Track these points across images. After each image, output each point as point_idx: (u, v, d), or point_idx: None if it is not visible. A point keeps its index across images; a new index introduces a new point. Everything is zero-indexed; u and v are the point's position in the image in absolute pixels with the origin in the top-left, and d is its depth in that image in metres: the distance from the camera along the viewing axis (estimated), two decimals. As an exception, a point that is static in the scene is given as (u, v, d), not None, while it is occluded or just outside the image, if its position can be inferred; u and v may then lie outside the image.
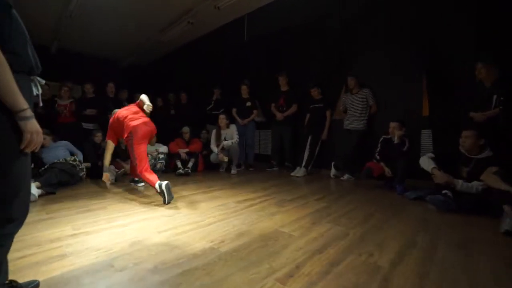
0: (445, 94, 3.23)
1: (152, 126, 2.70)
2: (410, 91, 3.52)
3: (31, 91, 0.98)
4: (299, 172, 4.08)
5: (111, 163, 3.80)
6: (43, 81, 1.05)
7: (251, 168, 4.78)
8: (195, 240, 1.61)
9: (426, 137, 3.39)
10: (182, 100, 5.63)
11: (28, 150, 0.88)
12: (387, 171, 3.00)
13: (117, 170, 3.74)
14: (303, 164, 4.14)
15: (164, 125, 5.22)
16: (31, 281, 1.07)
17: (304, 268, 1.27)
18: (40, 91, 1.04)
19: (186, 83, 6.66)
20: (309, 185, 3.39)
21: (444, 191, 2.28)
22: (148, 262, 1.31)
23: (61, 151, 3.31)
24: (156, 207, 2.35)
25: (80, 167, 3.34)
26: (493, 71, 2.73)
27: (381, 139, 3.19)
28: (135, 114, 2.73)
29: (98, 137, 3.94)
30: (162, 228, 1.81)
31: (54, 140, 3.41)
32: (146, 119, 2.71)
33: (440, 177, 2.31)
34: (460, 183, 2.26)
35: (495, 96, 2.69)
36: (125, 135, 2.61)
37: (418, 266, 1.30)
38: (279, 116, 4.47)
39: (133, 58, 7.54)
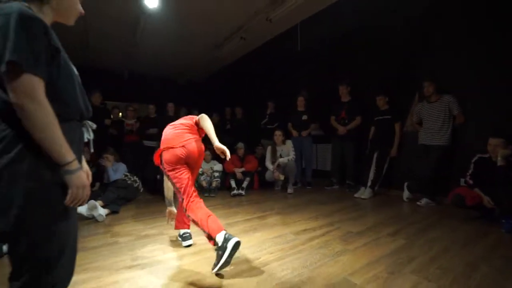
0: None
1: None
2: (505, 96, 2.78)
3: (81, 138, 0.93)
4: (365, 193, 3.60)
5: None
6: (94, 125, 1.01)
7: (308, 186, 4.46)
8: (251, 285, 1.42)
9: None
10: (237, 114, 5.68)
11: (73, 205, 0.81)
12: (487, 200, 2.36)
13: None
14: (369, 184, 3.64)
15: (220, 141, 5.31)
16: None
17: None
18: (92, 136, 1.00)
19: (241, 97, 6.75)
20: (379, 212, 2.91)
21: None
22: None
23: (120, 175, 3.53)
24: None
25: (137, 182, 3.55)
26: None
27: (476, 158, 2.55)
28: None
29: (159, 155, 4.15)
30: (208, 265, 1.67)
31: (117, 160, 3.69)
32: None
33: None
34: None
35: None
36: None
37: None
38: (341, 130, 4.08)
39: (190, 75, 8.02)
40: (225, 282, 1.48)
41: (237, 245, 1.49)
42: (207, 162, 4.33)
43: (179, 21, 4.79)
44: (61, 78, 0.83)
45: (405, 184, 3.38)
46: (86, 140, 0.98)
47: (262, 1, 4.39)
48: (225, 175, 4.32)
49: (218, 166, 4.27)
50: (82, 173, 0.82)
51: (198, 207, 1.70)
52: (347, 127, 4.04)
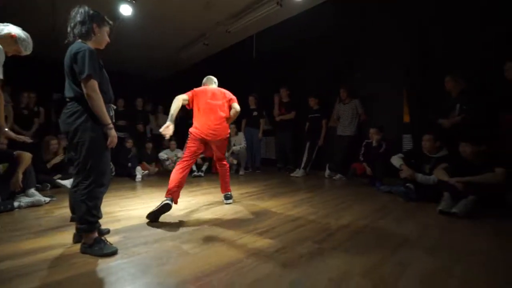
0: (421, 103, 3.74)
1: None
2: (395, 100, 4.04)
3: (109, 113, 1.68)
4: (298, 173, 4.66)
5: (138, 164, 4.58)
6: (115, 107, 1.75)
7: (258, 170, 5.40)
8: (205, 214, 2.26)
9: (407, 141, 3.88)
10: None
11: (110, 146, 1.56)
12: (368, 170, 3.53)
13: (143, 171, 4.48)
14: (302, 166, 4.72)
15: (183, 132, 5.99)
16: (104, 228, 1.75)
17: (277, 228, 1.88)
18: (113, 112, 1.74)
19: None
20: (305, 184, 3.96)
21: (407, 184, 2.79)
22: (174, 224, 1.97)
23: None
24: (177, 196, 3.03)
25: (111, 167, 4.12)
26: (459, 84, 3.24)
27: (364, 142, 3.73)
28: None
29: (129, 143, 4.72)
30: (183, 207, 2.47)
31: None
32: None
33: (405, 171, 2.83)
34: (420, 176, 2.77)
35: (458, 105, 3.19)
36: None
37: (358, 229, 1.87)
38: (278, 118, 5.14)
39: (156, 72, 8.50)
40: (188, 214, 2.29)
41: (166, 206, 2.03)
42: (172, 150, 5.01)
43: (149, 27, 5.38)
44: (103, 79, 1.57)
45: (327, 165, 4.50)
46: (111, 114, 1.71)
47: (223, 15, 5.21)
48: (188, 161, 5.03)
49: (181, 154, 4.96)
50: (114, 130, 1.57)
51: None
52: (282, 117, 5.08)
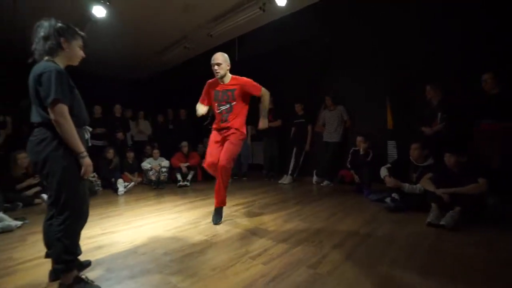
0: (404, 111, 3.82)
1: None
2: (379, 107, 4.10)
3: (84, 137, 1.53)
4: (286, 179, 4.64)
5: (119, 176, 4.37)
6: (91, 129, 1.61)
7: (244, 177, 5.32)
8: (194, 234, 2.16)
9: (391, 147, 3.96)
10: (181, 116, 6.20)
11: (85, 177, 1.43)
12: (356, 177, 3.56)
13: (126, 183, 4.28)
14: (289, 173, 4.70)
15: (164, 140, 5.80)
16: (85, 260, 1.61)
17: (269, 250, 1.82)
18: (89, 135, 1.60)
19: (184, 99, 7.25)
20: (293, 191, 3.94)
21: (393, 194, 2.83)
22: (161, 249, 1.86)
23: None
24: (162, 212, 2.90)
25: (97, 182, 3.90)
26: (439, 92, 3.33)
27: (351, 150, 3.76)
28: None
29: (110, 153, 4.49)
30: (169, 227, 2.36)
31: None
32: None
33: (389, 182, 2.86)
34: (407, 186, 2.82)
35: (439, 114, 3.28)
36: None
37: (351, 248, 1.85)
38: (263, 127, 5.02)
39: (134, 75, 8.18)
40: (177, 234, 2.18)
41: None
42: (155, 159, 4.82)
43: (125, 29, 5.13)
44: (74, 102, 1.43)
45: (314, 171, 4.51)
46: (86, 138, 1.57)
47: (204, 18, 5.07)
48: (171, 170, 4.87)
49: (165, 162, 4.80)
50: (88, 158, 1.44)
51: None
52: (269, 124, 4.99)
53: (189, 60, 7.25)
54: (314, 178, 4.47)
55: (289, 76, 5.33)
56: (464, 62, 3.33)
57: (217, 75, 2.48)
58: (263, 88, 2.58)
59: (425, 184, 2.63)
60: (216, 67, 2.47)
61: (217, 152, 2.48)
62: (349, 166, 3.72)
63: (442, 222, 2.21)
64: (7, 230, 2.34)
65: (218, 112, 2.57)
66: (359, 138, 3.62)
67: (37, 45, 1.37)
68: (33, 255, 1.80)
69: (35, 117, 1.35)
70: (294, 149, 4.78)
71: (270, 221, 2.50)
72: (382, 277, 1.44)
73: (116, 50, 6.25)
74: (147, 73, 8.35)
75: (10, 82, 5.47)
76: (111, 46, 5.90)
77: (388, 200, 2.86)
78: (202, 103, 2.67)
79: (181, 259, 1.72)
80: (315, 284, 1.39)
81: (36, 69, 1.31)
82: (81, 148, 1.37)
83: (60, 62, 1.41)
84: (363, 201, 3.22)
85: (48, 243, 1.47)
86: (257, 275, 1.49)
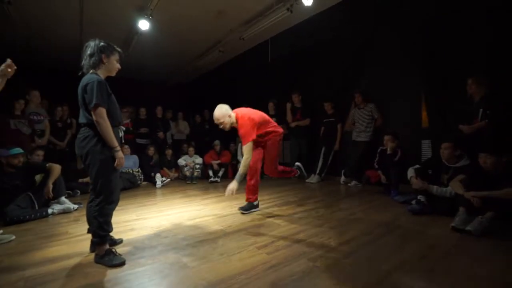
0: (441, 108, 3.54)
1: None
2: (412, 105, 3.86)
3: (118, 135, 1.83)
4: (314, 178, 4.63)
5: (158, 171, 4.85)
6: (124, 128, 1.92)
7: (273, 175, 5.43)
8: (212, 224, 2.37)
9: (426, 147, 3.70)
10: (216, 116, 6.56)
11: (118, 168, 1.72)
12: (383, 178, 3.42)
13: (164, 178, 4.73)
14: (317, 172, 4.68)
15: (201, 139, 6.22)
16: (118, 238, 1.93)
17: (276, 242, 1.93)
18: (122, 133, 1.90)
19: (219, 101, 7.63)
20: (319, 190, 3.94)
21: (419, 196, 2.68)
22: (181, 235, 2.11)
23: (131, 163, 4.43)
24: (191, 204, 3.19)
25: (140, 177, 4.43)
26: (482, 87, 3.03)
27: (379, 149, 3.61)
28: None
29: (151, 150, 5.02)
30: (193, 217, 2.62)
31: (130, 153, 4.58)
32: None
33: (415, 184, 2.72)
34: (435, 189, 2.65)
35: (481, 110, 2.99)
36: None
37: (358, 246, 1.86)
38: (293, 124, 5.09)
39: (174, 79, 8.88)
40: (198, 223, 2.41)
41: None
42: (190, 156, 5.23)
43: (165, 38, 5.65)
44: (111, 105, 1.73)
45: (342, 171, 4.43)
46: (120, 136, 1.87)
47: (236, 22, 5.32)
48: (205, 166, 5.23)
49: (199, 160, 5.18)
50: (121, 152, 1.72)
51: None
52: (297, 123, 5.04)
53: (223, 64, 7.63)
54: (342, 178, 4.39)
55: (319, 75, 5.28)
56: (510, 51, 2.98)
57: (225, 129, 2.76)
58: (247, 146, 2.60)
59: (455, 186, 2.45)
60: (220, 126, 2.71)
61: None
62: (376, 166, 3.59)
63: (468, 228, 2.06)
64: (67, 211, 2.86)
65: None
66: (386, 137, 3.47)
67: (85, 61, 1.71)
68: (82, 232, 2.19)
69: (81, 119, 1.68)
70: (323, 149, 4.75)
71: (286, 216, 2.59)
72: (381, 277, 1.45)
73: (158, 58, 6.90)
74: (185, 77, 8.99)
75: (74, 90, 6.43)
76: (154, 55, 6.53)
77: (413, 202, 2.72)
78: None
79: (195, 244, 1.93)
80: (310, 275, 1.47)
81: (83, 80, 1.64)
82: (115, 143, 1.66)
83: (102, 74, 1.72)
84: (389, 203, 3.10)
85: (89, 220, 1.81)
86: (258, 262, 1.63)
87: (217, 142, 5.34)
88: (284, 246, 1.87)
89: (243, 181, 2.58)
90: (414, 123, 3.83)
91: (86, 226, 1.77)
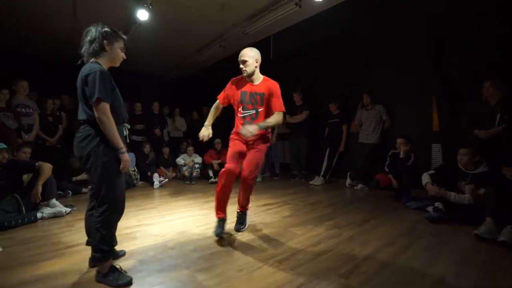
0: (453, 111, 3.45)
1: None
2: (422, 107, 3.76)
3: (123, 133, 1.62)
4: (318, 181, 4.49)
5: (155, 170, 4.60)
6: (129, 126, 1.70)
7: (276, 177, 5.26)
8: (222, 233, 2.18)
9: (436, 150, 3.61)
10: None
11: (123, 171, 1.51)
12: (394, 183, 3.31)
13: (161, 178, 4.49)
14: (321, 174, 4.54)
15: (197, 137, 5.97)
16: (120, 250, 1.72)
17: (297, 255, 1.76)
18: (127, 132, 1.69)
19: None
20: (325, 194, 3.80)
21: (436, 203, 2.57)
22: (190, 245, 1.91)
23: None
24: (193, 208, 2.99)
25: (136, 176, 4.17)
26: (500, 91, 2.93)
27: (390, 153, 3.50)
28: None
29: (146, 148, 4.76)
30: (199, 223, 2.42)
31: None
32: None
33: (431, 190, 2.61)
34: (453, 196, 2.54)
35: (498, 115, 2.90)
36: None
37: (386, 260, 1.71)
38: (294, 121, 4.91)
39: (171, 74, 8.55)
40: (205, 231, 2.22)
41: None
42: (189, 155, 5.00)
43: (165, 30, 5.37)
44: (115, 101, 1.51)
45: (348, 173, 4.30)
46: (124, 134, 1.66)
47: (239, 17, 5.10)
48: (204, 166, 5.01)
49: (198, 159, 4.95)
50: (127, 154, 1.51)
51: None
52: (295, 117, 4.87)
53: (224, 59, 7.38)
54: (348, 180, 4.27)
55: (323, 75, 5.13)
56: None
57: (244, 73, 2.15)
58: (282, 113, 2.18)
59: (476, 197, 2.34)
60: (242, 65, 2.12)
61: (239, 161, 2.12)
62: (387, 170, 3.47)
63: (502, 238, 1.94)
64: (59, 216, 2.60)
65: (241, 117, 2.20)
66: (399, 140, 3.35)
67: (84, 48, 1.47)
68: (78, 241, 1.96)
69: (81, 115, 1.45)
70: (328, 150, 4.61)
71: (299, 224, 2.43)
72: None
73: (156, 51, 6.58)
74: (184, 72, 8.69)
75: (73, 81, 6.05)
76: (152, 47, 6.21)
77: (430, 209, 2.60)
78: (219, 99, 2.40)
79: (209, 256, 1.74)
80: (344, 296, 1.31)
81: (83, 70, 1.41)
82: (121, 144, 1.44)
83: (104, 63, 1.50)
84: (401, 209, 2.98)
85: (88, 232, 1.59)
86: (283, 280, 1.45)
87: (218, 140, 5.12)
88: (307, 259, 1.70)
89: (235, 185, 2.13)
90: (423, 126, 3.73)
91: (81, 234, 1.56)
